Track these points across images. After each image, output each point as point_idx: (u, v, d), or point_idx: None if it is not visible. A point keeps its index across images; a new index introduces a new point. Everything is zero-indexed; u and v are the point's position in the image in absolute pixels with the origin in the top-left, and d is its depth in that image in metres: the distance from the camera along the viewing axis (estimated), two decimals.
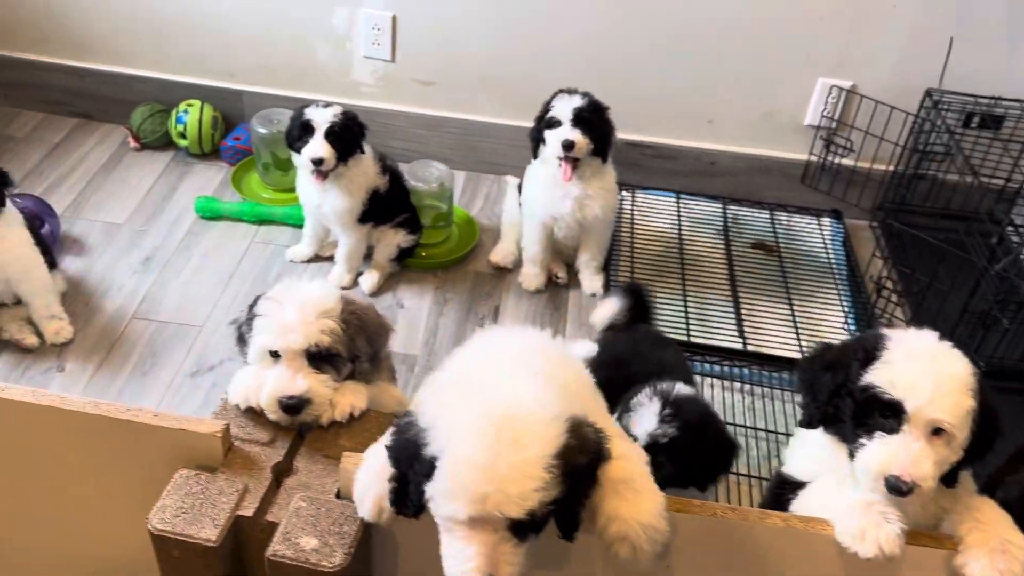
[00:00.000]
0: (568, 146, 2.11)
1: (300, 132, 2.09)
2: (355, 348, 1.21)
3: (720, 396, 2.12)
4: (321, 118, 2.08)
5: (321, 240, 2.34)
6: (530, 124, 2.26)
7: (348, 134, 2.12)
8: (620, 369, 1.58)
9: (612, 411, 1.37)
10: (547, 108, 2.16)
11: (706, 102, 2.68)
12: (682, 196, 2.80)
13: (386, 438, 1.00)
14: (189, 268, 2.26)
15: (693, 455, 1.31)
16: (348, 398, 1.19)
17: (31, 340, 1.93)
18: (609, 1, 2.48)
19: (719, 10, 2.49)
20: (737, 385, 2.19)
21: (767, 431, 2.07)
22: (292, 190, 2.40)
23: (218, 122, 2.61)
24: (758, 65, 2.59)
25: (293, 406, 1.13)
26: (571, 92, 2.16)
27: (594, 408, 1.10)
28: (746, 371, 2.25)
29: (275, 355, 1.16)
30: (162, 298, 2.15)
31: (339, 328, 1.18)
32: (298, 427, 1.16)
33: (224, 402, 1.19)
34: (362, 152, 2.13)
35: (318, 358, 1.17)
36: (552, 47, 2.50)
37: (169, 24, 2.59)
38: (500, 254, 2.42)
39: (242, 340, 1.25)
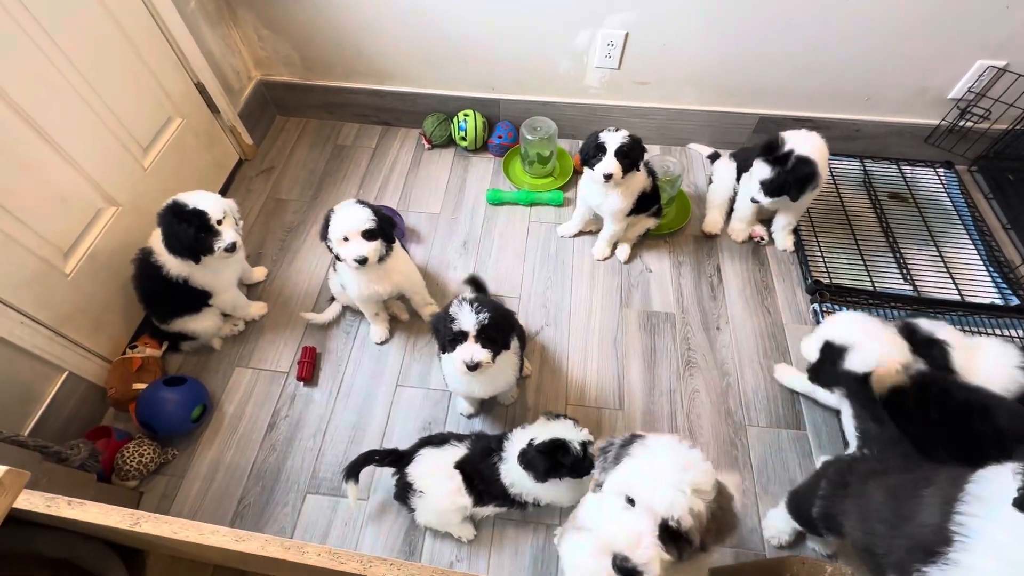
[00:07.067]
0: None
1: (595, 151, 2.28)
2: (705, 541, 1.04)
3: None
4: (613, 140, 2.25)
5: (586, 221, 2.82)
6: (719, 109, 2.86)
7: (633, 154, 2.27)
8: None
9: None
10: (780, 141, 2.39)
11: (869, 82, 2.85)
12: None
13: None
14: (495, 248, 2.82)
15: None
16: None
17: (404, 316, 2.66)
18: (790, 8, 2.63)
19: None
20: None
21: None
22: (548, 177, 3.07)
23: (487, 125, 3.28)
24: (925, 47, 2.68)
25: (629, 570, 1.00)
26: None
27: None
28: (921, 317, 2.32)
29: (631, 502, 1.04)
30: (484, 273, 2.67)
31: (705, 515, 1.03)
32: None
33: None
34: (638, 171, 2.37)
35: (670, 532, 1.01)
36: (746, 50, 2.85)
37: (444, 53, 3.06)
38: (710, 225, 2.88)
39: (609, 460, 1.17)
